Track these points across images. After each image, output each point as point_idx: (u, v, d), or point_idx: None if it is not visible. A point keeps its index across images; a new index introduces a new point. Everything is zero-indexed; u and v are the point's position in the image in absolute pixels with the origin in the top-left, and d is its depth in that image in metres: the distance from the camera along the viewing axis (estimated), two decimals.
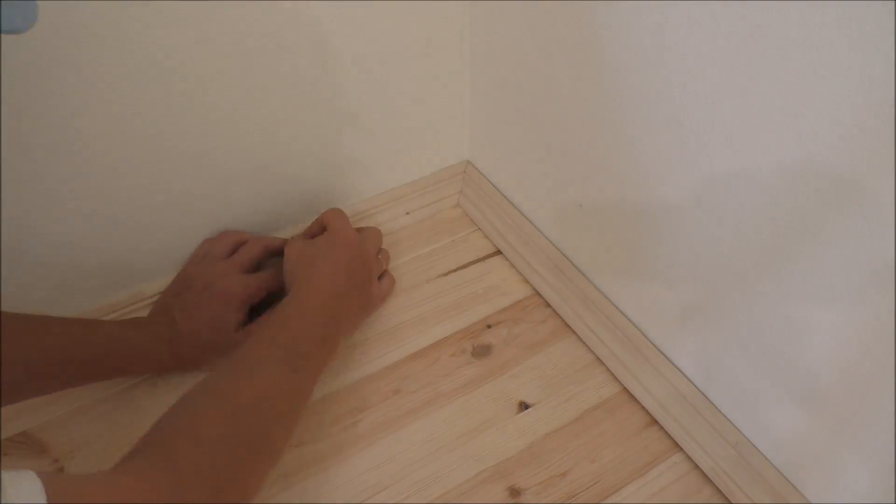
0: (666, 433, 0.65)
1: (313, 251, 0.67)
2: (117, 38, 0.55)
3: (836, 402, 0.51)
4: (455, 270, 0.80)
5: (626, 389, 0.69)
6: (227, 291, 0.67)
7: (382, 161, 0.82)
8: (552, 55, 0.64)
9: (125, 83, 0.58)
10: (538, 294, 0.78)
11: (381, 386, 0.70)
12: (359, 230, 0.74)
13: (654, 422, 0.66)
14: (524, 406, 0.68)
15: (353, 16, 0.67)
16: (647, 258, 0.64)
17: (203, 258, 0.72)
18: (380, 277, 0.75)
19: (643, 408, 0.67)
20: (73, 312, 0.70)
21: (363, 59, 0.71)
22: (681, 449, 0.64)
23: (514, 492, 0.62)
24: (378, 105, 0.76)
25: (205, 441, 0.47)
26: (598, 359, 0.71)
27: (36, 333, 0.58)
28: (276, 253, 0.74)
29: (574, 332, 0.74)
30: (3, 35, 0.33)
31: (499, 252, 0.82)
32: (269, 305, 0.68)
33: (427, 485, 0.63)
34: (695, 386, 0.64)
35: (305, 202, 0.79)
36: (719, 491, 0.61)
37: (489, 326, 0.75)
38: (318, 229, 0.73)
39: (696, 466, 0.63)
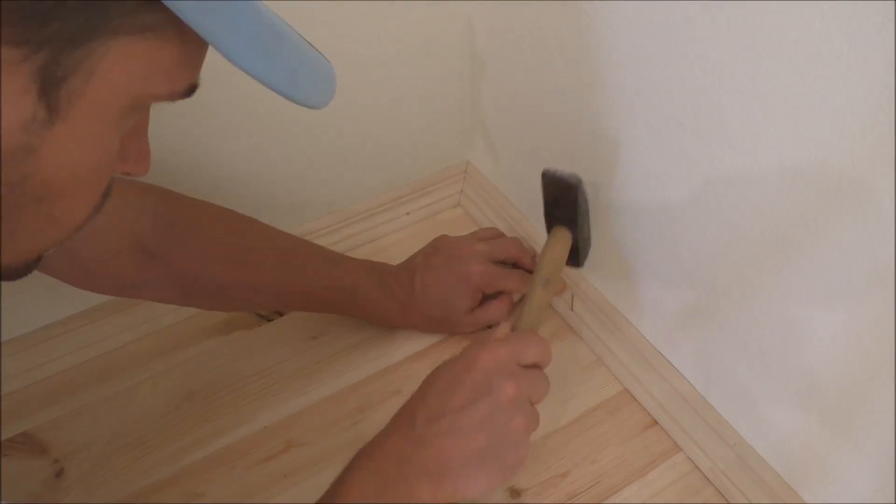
0: (666, 434, 0.65)
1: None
2: None
3: (836, 403, 0.50)
4: None
5: (626, 390, 0.69)
6: (467, 273, 0.68)
7: (382, 161, 0.82)
8: (552, 55, 0.64)
9: None
10: None
11: (382, 386, 0.70)
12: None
13: (655, 422, 0.66)
14: None
15: (354, 16, 0.67)
16: (647, 258, 0.64)
17: (471, 235, 0.74)
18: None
19: (643, 408, 0.67)
20: None
21: (363, 59, 0.71)
22: (681, 450, 0.64)
23: (514, 492, 0.62)
24: (378, 105, 0.76)
25: None
26: (599, 359, 0.71)
27: (295, 268, 0.64)
28: (519, 263, 0.74)
29: (574, 332, 0.74)
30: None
31: None
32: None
33: None
34: (694, 387, 0.64)
35: (306, 202, 0.79)
36: (719, 492, 0.61)
37: (489, 326, 0.75)
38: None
39: (697, 467, 0.63)
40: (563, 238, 0.63)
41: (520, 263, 0.74)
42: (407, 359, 0.72)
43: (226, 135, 0.68)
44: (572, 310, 0.73)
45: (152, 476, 0.63)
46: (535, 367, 0.53)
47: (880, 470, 0.48)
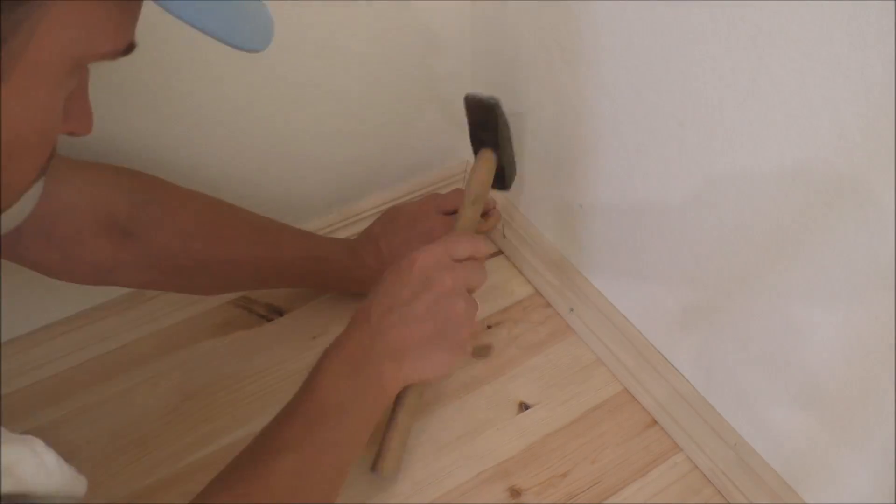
0: (666, 434, 0.65)
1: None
2: None
3: (836, 403, 0.50)
4: None
5: (626, 390, 0.69)
6: (430, 229, 0.71)
7: (382, 161, 0.82)
8: (552, 55, 0.64)
9: None
10: (539, 294, 0.78)
11: None
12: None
13: (655, 422, 0.66)
14: (524, 406, 0.68)
15: (354, 16, 0.67)
16: (648, 258, 0.64)
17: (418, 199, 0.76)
18: None
19: (643, 408, 0.67)
20: None
21: (364, 59, 0.71)
22: (681, 450, 0.64)
23: (514, 492, 0.62)
24: (378, 105, 0.76)
25: None
26: (599, 359, 0.71)
27: (269, 242, 0.66)
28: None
29: (574, 333, 0.74)
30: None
31: (500, 252, 0.82)
32: None
33: (427, 485, 0.63)
34: (694, 387, 0.64)
35: (305, 203, 0.79)
36: (719, 491, 0.61)
37: (489, 327, 0.75)
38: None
39: (696, 467, 0.63)
40: (488, 160, 0.68)
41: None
42: None
43: (225, 135, 0.68)
44: (504, 237, 0.78)
45: (152, 476, 0.63)
46: (471, 259, 0.58)
47: (880, 470, 0.48)
